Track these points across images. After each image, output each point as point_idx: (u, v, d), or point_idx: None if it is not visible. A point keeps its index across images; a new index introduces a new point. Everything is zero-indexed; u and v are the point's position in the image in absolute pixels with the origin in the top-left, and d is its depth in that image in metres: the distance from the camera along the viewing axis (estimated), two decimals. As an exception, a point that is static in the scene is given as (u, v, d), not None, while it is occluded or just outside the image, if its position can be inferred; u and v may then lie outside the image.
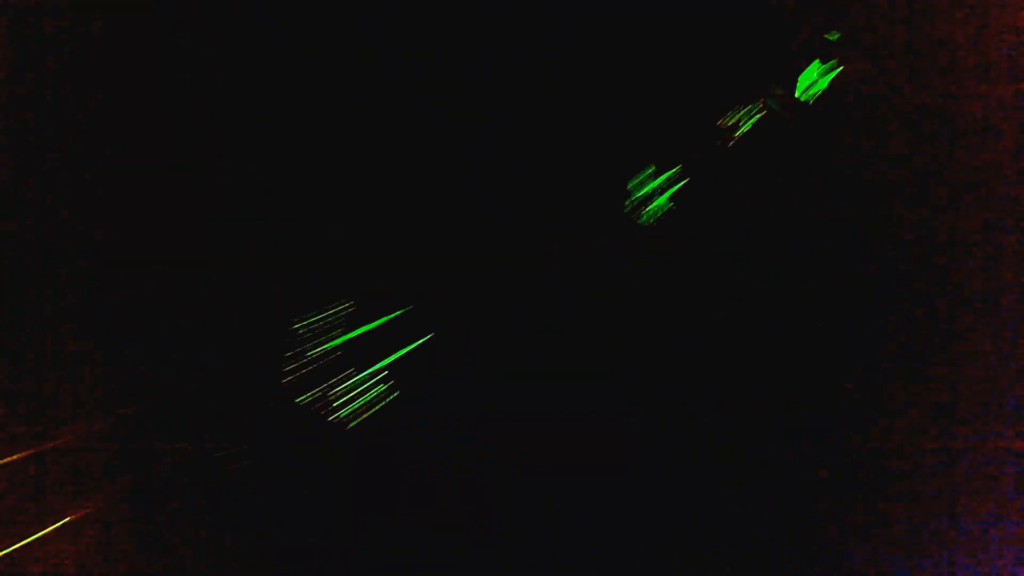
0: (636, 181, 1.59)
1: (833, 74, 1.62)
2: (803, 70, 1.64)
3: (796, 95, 1.60)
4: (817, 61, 1.61)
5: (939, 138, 1.73)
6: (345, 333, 1.65)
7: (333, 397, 1.65)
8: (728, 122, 1.74)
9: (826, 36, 1.55)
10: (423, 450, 1.76)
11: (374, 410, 1.65)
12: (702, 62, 1.76)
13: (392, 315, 1.65)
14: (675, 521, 1.75)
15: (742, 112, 1.74)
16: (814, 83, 1.63)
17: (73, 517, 1.70)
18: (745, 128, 1.73)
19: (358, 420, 1.63)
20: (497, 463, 1.76)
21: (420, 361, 1.76)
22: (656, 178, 1.65)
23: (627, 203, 1.71)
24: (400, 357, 1.71)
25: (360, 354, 1.69)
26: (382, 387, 1.66)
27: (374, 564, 1.74)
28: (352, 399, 1.66)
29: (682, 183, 1.76)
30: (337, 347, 1.65)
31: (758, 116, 1.70)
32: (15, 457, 1.68)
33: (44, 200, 1.70)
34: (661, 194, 1.65)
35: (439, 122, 1.76)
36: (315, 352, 1.63)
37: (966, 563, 1.71)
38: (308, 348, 1.62)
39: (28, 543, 1.68)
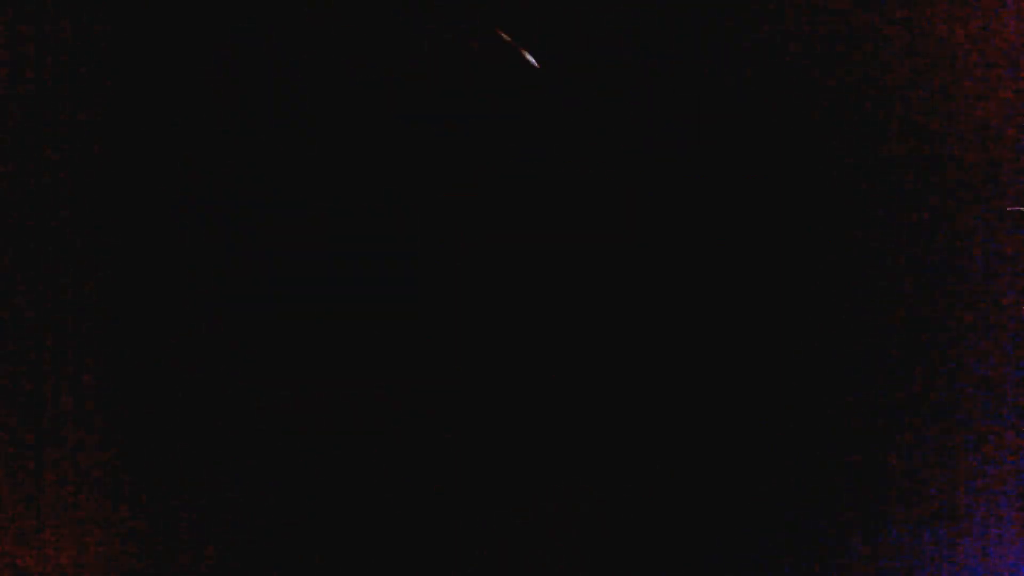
0: None
1: None
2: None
3: None
4: None
5: (939, 138, 1.73)
6: None
7: None
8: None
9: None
10: (421, 450, 1.76)
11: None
12: (699, 61, 1.76)
13: None
14: (672, 521, 1.75)
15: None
16: None
17: (73, 517, 1.70)
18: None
19: None
20: (492, 463, 1.76)
21: (412, 359, 1.76)
22: None
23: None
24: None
25: None
26: None
27: (374, 564, 1.74)
28: None
29: (680, 183, 1.76)
30: None
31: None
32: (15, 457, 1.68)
33: (44, 200, 1.70)
34: None
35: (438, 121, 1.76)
36: None
37: (966, 563, 1.71)
38: None
39: (28, 543, 1.69)
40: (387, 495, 1.75)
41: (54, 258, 1.71)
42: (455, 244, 1.76)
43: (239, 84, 1.74)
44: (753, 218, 1.76)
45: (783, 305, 1.76)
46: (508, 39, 1.43)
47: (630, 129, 1.76)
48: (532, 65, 1.44)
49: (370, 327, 1.75)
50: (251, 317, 1.74)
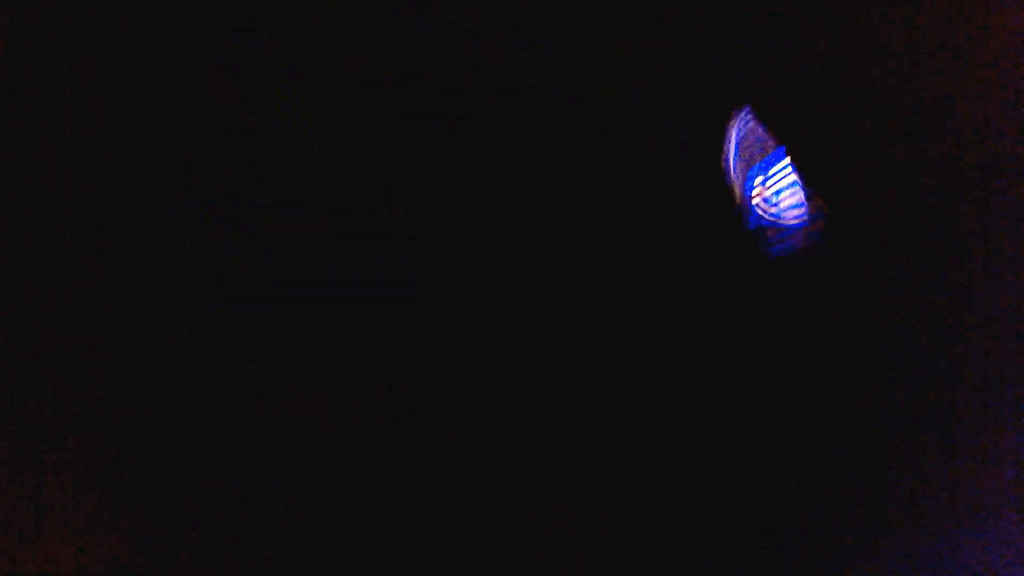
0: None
1: None
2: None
3: None
4: None
5: (939, 138, 1.73)
6: None
7: None
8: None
9: None
10: (421, 450, 1.76)
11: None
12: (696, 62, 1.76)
13: None
14: (672, 521, 1.75)
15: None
16: None
17: (73, 517, 1.70)
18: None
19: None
20: (491, 464, 1.76)
21: (411, 357, 1.76)
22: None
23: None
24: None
25: None
26: None
27: (374, 564, 1.74)
28: None
29: (679, 184, 1.76)
30: None
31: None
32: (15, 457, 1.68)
33: (44, 200, 1.70)
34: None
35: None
36: None
37: (967, 564, 1.71)
38: None
39: (28, 543, 1.68)
40: (387, 495, 1.75)
41: (54, 258, 1.71)
42: (455, 244, 1.76)
43: (239, 84, 1.74)
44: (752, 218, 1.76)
45: (783, 305, 1.76)
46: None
47: (630, 129, 1.76)
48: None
49: (370, 327, 1.75)
50: (251, 317, 1.74)
